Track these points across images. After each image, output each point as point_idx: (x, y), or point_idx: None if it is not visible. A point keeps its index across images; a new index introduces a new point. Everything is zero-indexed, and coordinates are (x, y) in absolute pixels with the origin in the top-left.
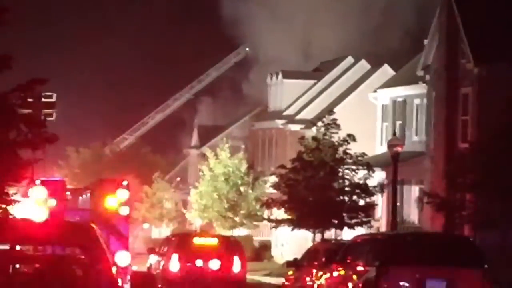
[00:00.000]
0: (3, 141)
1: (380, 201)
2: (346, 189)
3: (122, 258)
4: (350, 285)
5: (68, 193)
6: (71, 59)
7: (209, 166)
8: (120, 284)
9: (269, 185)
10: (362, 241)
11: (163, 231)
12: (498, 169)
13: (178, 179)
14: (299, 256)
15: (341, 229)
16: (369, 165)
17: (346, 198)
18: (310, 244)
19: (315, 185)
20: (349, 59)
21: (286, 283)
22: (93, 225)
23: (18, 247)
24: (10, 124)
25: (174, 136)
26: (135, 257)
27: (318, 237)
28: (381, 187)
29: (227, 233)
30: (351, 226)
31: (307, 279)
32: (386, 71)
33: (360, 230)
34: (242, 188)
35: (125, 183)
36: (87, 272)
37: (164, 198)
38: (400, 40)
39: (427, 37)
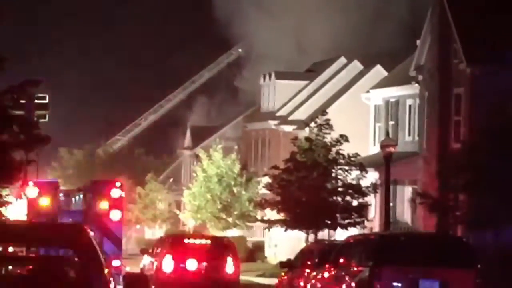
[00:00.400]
0: None
1: (373, 201)
2: (339, 189)
3: (115, 259)
4: (343, 285)
5: (61, 194)
6: (63, 61)
7: (202, 167)
8: (113, 285)
9: (262, 186)
10: (355, 242)
11: (156, 232)
12: (491, 169)
13: (171, 180)
14: (292, 257)
15: (334, 229)
16: (362, 165)
17: (339, 199)
18: (303, 245)
19: (308, 186)
20: (342, 60)
21: (279, 283)
22: (86, 227)
23: (10, 248)
24: (3, 125)
25: (167, 137)
26: (128, 258)
27: (312, 237)
28: (374, 187)
29: (221, 234)
30: (344, 227)
31: (301, 279)
32: (379, 72)
33: (353, 231)
34: (235, 189)
35: (118, 184)
36: (79, 274)
37: (157, 199)
38: (393, 41)
39: (420, 37)
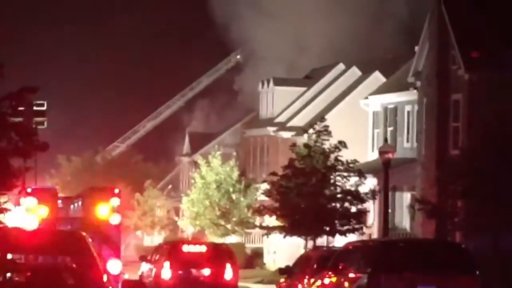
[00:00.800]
0: None
1: (372, 207)
2: (338, 196)
3: (113, 266)
4: None
5: (59, 201)
6: (62, 68)
7: (200, 173)
8: None
9: (260, 192)
10: (354, 248)
11: (155, 238)
12: (489, 175)
13: (170, 186)
14: (291, 263)
15: (333, 236)
16: (361, 171)
17: (338, 205)
18: (302, 251)
19: (307, 192)
20: (340, 66)
21: None
22: (84, 234)
23: (9, 256)
24: (1, 132)
25: (165, 143)
26: (127, 265)
27: (310, 244)
28: (373, 193)
29: (219, 240)
30: (343, 233)
31: (299, 286)
32: (377, 78)
33: (352, 237)
34: (234, 196)
35: (116, 191)
36: (78, 281)
37: (156, 206)
38: (391, 47)
39: (418, 43)
